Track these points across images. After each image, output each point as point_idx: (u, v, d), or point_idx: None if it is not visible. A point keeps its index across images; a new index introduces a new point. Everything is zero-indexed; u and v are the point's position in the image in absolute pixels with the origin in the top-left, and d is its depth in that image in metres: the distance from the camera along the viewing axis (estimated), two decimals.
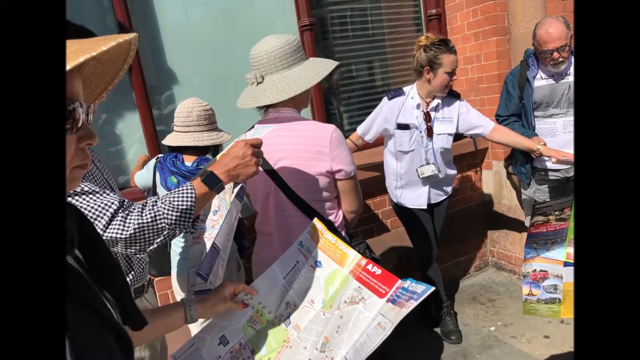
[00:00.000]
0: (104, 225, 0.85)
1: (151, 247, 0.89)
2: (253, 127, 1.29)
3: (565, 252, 1.51)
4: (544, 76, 2.08)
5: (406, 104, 2.05)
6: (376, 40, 2.78)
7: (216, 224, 1.11)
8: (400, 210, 2.24)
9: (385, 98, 2.09)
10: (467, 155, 2.73)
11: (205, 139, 1.57)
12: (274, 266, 1.02)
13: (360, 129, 2.17)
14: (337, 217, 1.31)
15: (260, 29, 2.28)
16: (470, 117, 2.07)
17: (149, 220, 0.86)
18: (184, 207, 0.89)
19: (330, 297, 0.96)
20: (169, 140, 1.61)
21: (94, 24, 1.99)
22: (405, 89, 2.09)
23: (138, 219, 0.86)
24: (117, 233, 0.85)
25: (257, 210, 1.36)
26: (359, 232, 2.49)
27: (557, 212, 1.54)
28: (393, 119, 2.05)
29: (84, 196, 0.87)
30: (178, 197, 0.89)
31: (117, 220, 0.86)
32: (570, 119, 2.05)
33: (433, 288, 0.79)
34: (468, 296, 2.71)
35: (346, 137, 1.64)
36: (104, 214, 0.86)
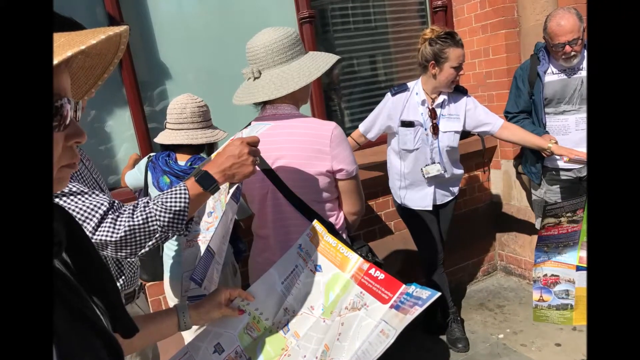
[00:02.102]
0: (93, 228, 0.85)
1: (143, 251, 0.89)
2: (250, 124, 1.29)
3: (578, 255, 1.51)
4: (556, 71, 2.08)
5: (410, 100, 2.06)
6: (379, 33, 2.78)
7: (211, 226, 1.11)
8: (405, 212, 2.24)
9: (389, 94, 2.09)
10: (474, 154, 2.73)
11: (199, 137, 1.57)
12: (272, 270, 1.02)
13: (362, 127, 2.17)
14: (337, 219, 1.31)
15: (257, 22, 2.28)
16: (477, 114, 2.07)
17: (140, 222, 0.86)
18: (177, 208, 0.89)
19: (330, 303, 0.96)
20: (162, 138, 1.61)
21: (83, 16, 1.99)
22: (410, 84, 2.09)
23: (129, 221, 0.86)
24: (106, 236, 0.85)
25: (254, 212, 1.36)
26: (360, 234, 2.49)
27: (569, 214, 1.55)
28: (397, 116, 2.05)
29: (72, 197, 0.87)
30: (171, 198, 0.89)
31: (106, 222, 0.86)
32: (582, 116, 2.05)
33: (439, 293, 0.79)
34: (475, 302, 2.72)
35: (347, 135, 1.64)
36: (93, 216, 0.86)
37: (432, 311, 2.34)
